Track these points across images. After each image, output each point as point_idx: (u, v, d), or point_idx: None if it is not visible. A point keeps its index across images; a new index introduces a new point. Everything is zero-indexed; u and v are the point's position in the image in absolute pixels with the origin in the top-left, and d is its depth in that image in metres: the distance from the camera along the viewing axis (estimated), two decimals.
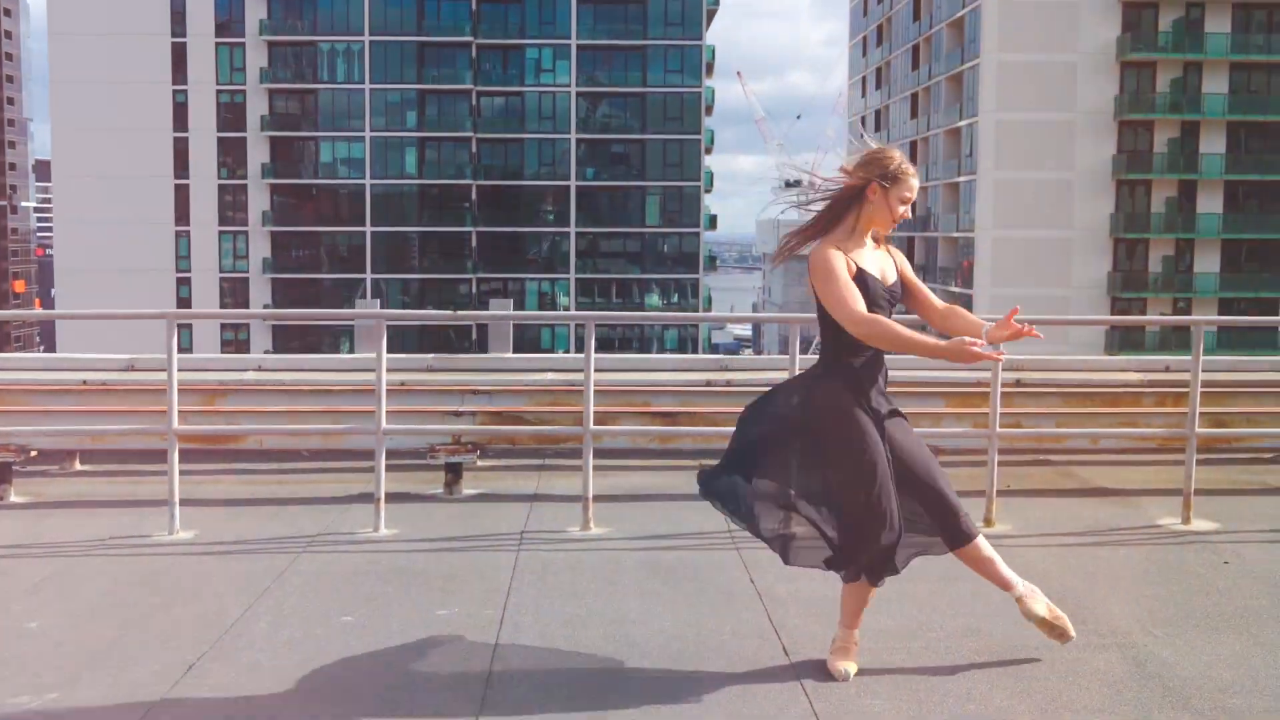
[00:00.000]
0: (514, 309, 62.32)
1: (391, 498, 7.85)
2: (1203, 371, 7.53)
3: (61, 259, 69.75)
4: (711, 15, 72.97)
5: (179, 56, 67.00)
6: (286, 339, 66.24)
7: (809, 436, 4.66)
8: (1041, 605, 4.78)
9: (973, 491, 7.36)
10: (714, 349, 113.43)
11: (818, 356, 4.80)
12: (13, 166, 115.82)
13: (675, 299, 73.65)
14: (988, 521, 7.15)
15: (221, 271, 69.10)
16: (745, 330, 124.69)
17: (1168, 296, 60.18)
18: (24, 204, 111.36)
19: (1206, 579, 6.16)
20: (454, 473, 8.02)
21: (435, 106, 70.48)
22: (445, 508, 7.79)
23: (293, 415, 8.46)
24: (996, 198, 59.81)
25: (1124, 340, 58.45)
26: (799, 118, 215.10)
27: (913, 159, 70.69)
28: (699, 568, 6.38)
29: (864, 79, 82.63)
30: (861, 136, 4.90)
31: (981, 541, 4.75)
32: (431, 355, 9.67)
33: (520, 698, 4.58)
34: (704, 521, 7.39)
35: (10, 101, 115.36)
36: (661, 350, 71.06)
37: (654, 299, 73.13)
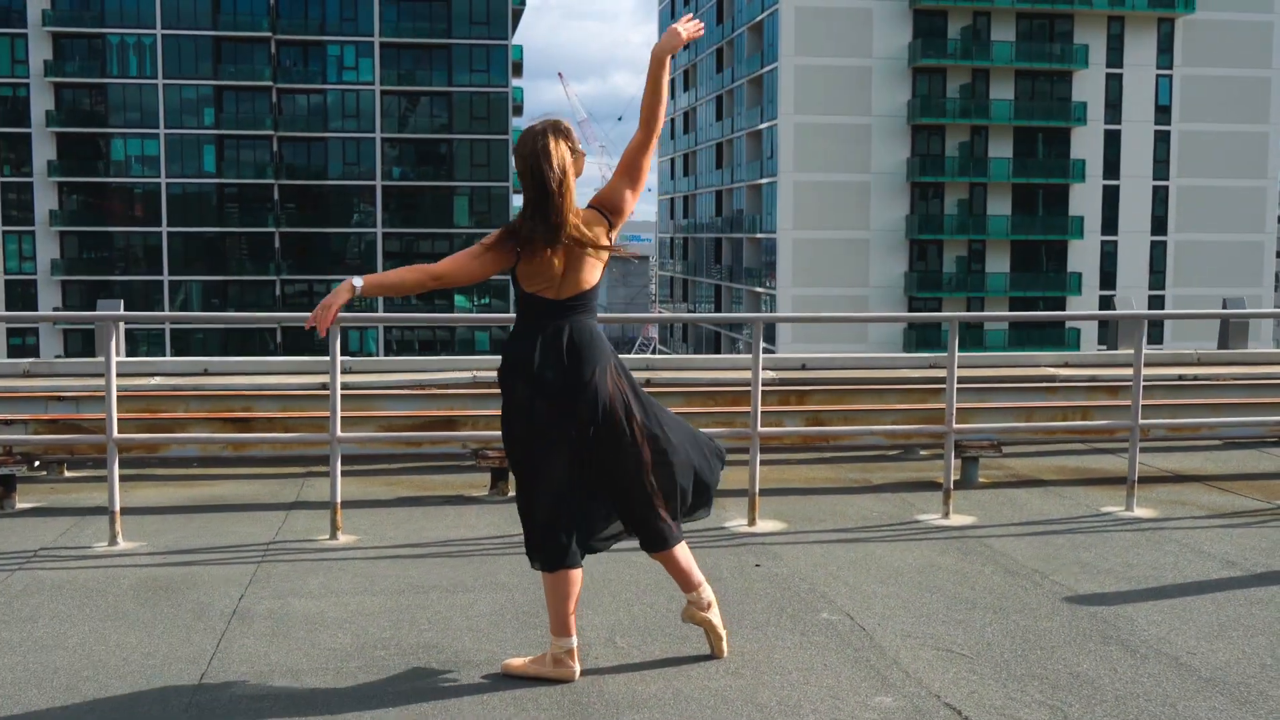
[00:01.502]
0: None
1: None
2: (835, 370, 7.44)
3: None
4: (518, 15, 72.59)
5: None
6: (83, 342, 63.64)
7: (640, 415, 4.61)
8: None
9: None
10: None
11: (578, 330, 4.51)
12: None
13: (486, 300, 73.00)
14: None
15: (6, 273, 66.02)
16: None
17: (962, 296, 61.88)
18: None
19: (726, 583, 5.98)
20: (5, 485, 7.43)
21: (234, 103, 68.52)
22: None
23: None
24: (795, 199, 60.71)
25: (920, 338, 59.91)
26: (620, 119, 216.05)
27: (719, 161, 71.52)
28: (198, 584, 5.95)
29: (673, 81, 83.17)
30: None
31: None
32: (29, 360, 9.06)
33: None
34: (254, 533, 6.99)
35: None
36: (473, 353, 70.27)
37: (463, 299, 72.23)
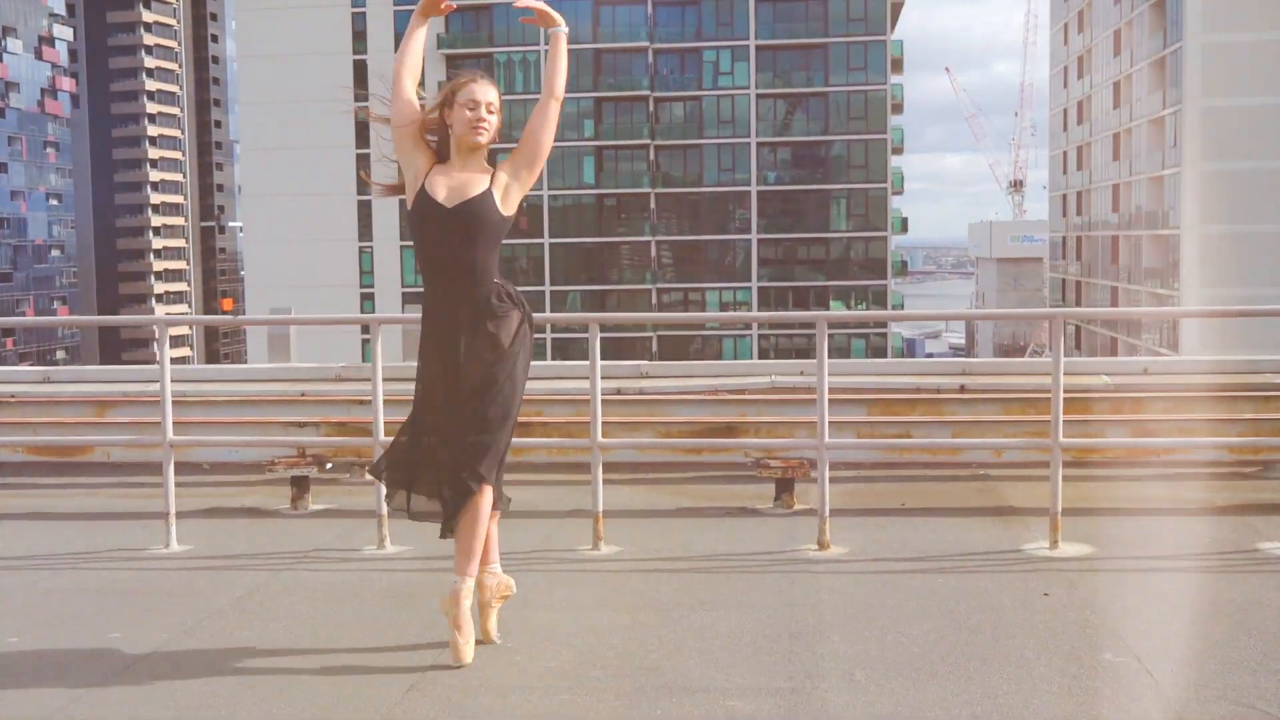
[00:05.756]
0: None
1: (231, 512, 7.55)
2: None
3: (251, 276, 72.19)
4: (897, 10, 70.82)
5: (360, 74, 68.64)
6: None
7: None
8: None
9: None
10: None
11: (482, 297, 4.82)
12: (220, 188, 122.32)
13: (863, 307, 71.48)
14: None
15: (403, 286, 70.42)
16: (960, 340, 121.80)
17: None
18: (231, 224, 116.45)
19: (1004, 613, 5.25)
20: (298, 486, 7.60)
21: (612, 115, 70.50)
22: (251, 524, 7.34)
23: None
24: (1203, 191, 56.17)
25: None
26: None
27: (1115, 152, 66.19)
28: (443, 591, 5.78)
29: (1065, 69, 79.14)
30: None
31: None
32: (341, 364, 9.36)
33: None
34: (523, 540, 6.80)
35: (217, 124, 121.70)
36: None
37: (839, 307, 70.96)
